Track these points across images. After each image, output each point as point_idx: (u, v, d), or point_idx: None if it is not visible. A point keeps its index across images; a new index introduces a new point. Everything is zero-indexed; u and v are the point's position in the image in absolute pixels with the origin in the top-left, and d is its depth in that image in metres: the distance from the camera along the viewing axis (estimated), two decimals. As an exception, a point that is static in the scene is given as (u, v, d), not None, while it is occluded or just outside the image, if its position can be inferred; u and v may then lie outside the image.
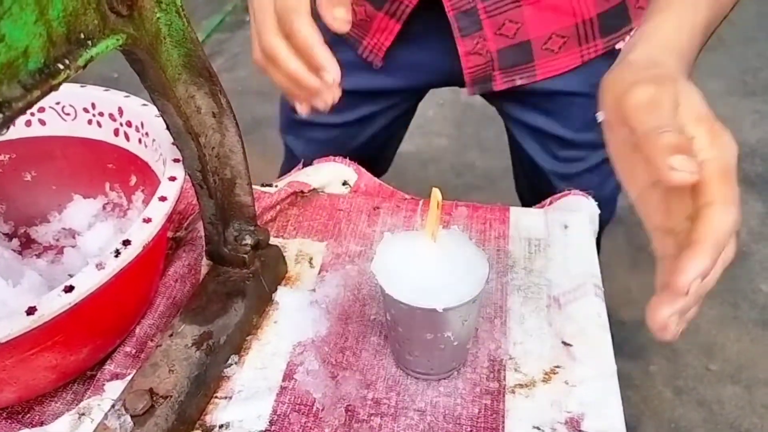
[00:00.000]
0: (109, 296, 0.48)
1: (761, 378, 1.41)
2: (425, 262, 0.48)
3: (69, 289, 0.44)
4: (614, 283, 1.57)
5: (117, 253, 0.47)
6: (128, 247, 0.47)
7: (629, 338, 1.45)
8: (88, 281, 0.45)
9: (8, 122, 0.31)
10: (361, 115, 0.88)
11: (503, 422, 0.50)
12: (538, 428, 0.50)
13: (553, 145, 0.84)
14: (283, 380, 0.54)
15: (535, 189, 0.91)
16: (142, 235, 0.48)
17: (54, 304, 0.43)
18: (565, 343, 0.56)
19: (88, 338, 0.51)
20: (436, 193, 0.46)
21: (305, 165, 0.75)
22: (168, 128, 0.51)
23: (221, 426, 0.51)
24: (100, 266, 0.46)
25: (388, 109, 0.89)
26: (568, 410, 0.51)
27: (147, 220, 0.49)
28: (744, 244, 1.70)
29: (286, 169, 0.92)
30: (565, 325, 0.57)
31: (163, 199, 0.51)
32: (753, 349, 1.46)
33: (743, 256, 1.66)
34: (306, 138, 0.93)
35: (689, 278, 0.36)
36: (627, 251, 1.66)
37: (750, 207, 1.79)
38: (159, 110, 0.49)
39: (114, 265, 0.46)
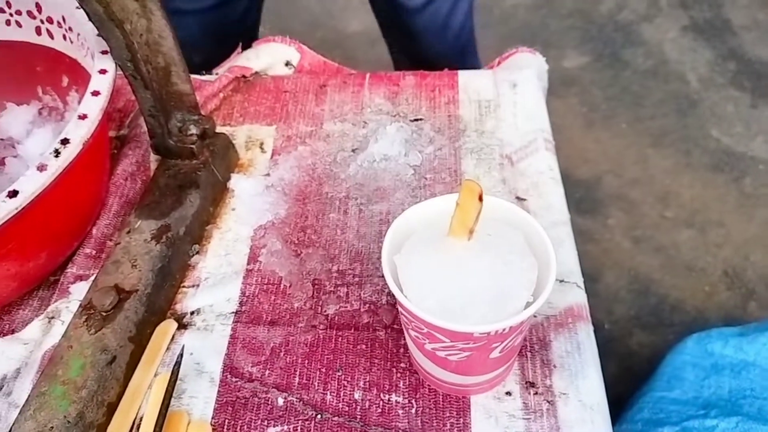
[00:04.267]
0: (57, 198, 0.47)
1: (713, 219, 1.47)
2: (458, 270, 0.39)
3: (13, 194, 0.43)
4: (570, 143, 1.59)
5: (57, 153, 0.45)
6: (67, 145, 0.46)
7: (587, 196, 1.49)
8: (31, 184, 0.44)
9: None
10: None
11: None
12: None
13: None
14: (248, 263, 0.55)
15: (393, 27, 0.96)
16: (79, 131, 0.47)
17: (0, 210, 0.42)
18: (519, 198, 0.57)
19: (43, 243, 0.50)
20: (472, 187, 0.35)
21: (244, 48, 0.73)
22: (90, 19, 0.48)
23: (192, 312, 0.52)
24: (41, 168, 0.44)
25: None
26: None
27: (83, 117, 0.48)
28: (695, 91, 1.71)
29: None
30: (519, 181, 0.58)
31: (96, 93, 0.49)
32: (705, 193, 1.52)
33: (693, 104, 1.69)
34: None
35: None
36: (580, 111, 1.67)
37: (699, 54, 1.80)
38: (76, -2, 0.46)
39: (56, 165, 0.45)
